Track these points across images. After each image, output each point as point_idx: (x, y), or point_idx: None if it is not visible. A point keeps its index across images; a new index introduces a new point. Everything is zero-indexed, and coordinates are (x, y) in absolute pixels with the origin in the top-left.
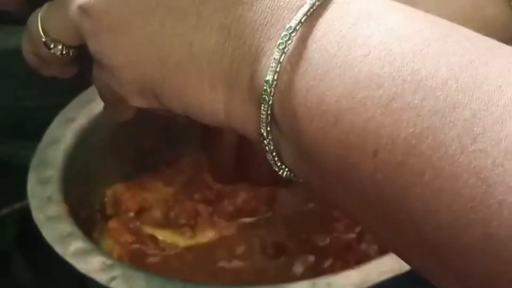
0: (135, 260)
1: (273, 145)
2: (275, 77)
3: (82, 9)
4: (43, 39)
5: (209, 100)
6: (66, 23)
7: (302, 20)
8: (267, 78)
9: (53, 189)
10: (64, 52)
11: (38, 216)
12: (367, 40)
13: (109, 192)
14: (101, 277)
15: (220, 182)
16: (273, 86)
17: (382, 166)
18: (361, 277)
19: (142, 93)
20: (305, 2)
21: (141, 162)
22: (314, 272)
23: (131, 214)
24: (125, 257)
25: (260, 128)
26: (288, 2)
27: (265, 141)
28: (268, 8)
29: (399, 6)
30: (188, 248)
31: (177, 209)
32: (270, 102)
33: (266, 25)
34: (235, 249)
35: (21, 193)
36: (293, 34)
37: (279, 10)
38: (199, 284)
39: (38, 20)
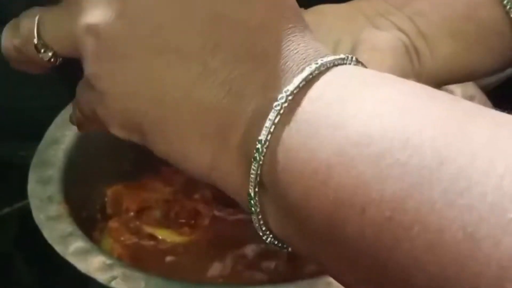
0: (135, 260)
1: (259, 207)
2: (268, 137)
3: (90, 29)
4: (35, 41)
5: (196, 152)
6: (67, 34)
7: (301, 85)
8: (260, 138)
9: (53, 189)
10: (52, 59)
11: (38, 216)
12: (358, 103)
13: (109, 192)
14: (101, 277)
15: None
16: (265, 146)
17: (371, 221)
18: None
19: (127, 126)
20: (305, 69)
21: (141, 162)
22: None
23: (131, 214)
24: (125, 257)
25: (248, 188)
26: (291, 67)
27: (251, 201)
28: (272, 70)
29: (388, 78)
30: (188, 248)
31: (177, 209)
32: (261, 162)
33: (267, 87)
34: (236, 248)
35: (21, 193)
36: (289, 97)
37: (281, 73)
38: (199, 284)
39: (35, 20)
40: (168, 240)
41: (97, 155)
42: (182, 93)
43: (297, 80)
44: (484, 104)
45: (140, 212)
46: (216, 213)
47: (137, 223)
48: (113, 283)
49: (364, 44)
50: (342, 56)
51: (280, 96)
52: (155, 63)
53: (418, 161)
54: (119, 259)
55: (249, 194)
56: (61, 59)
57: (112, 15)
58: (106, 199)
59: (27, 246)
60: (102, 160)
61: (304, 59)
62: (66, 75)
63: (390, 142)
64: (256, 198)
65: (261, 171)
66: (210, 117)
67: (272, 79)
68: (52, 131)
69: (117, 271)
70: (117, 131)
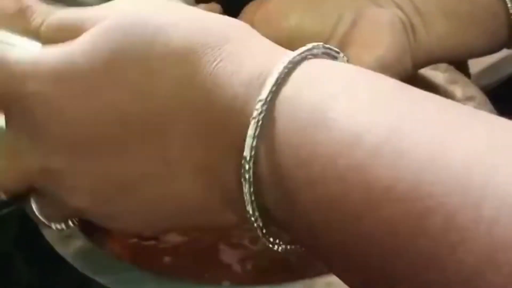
0: (135, 260)
1: (262, 222)
2: (252, 153)
3: (77, 210)
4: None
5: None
6: (64, 218)
7: (273, 89)
8: (244, 154)
9: None
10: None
11: None
12: (331, 108)
13: None
14: (101, 277)
15: None
16: (251, 162)
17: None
18: None
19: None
20: (266, 82)
21: None
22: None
23: None
24: (125, 257)
25: (245, 207)
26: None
27: (252, 218)
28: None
29: (357, 75)
30: (189, 247)
31: None
32: (251, 179)
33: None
34: (237, 248)
35: None
36: (264, 107)
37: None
38: (200, 284)
39: (35, 211)
40: (169, 240)
41: None
42: (167, 203)
43: (267, 88)
44: (484, 104)
45: None
46: None
47: None
48: (113, 283)
49: (364, 20)
50: (295, 53)
51: (256, 107)
52: (137, 196)
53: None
54: (119, 259)
55: (248, 212)
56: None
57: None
58: None
59: (27, 246)
60: None
61: (256, 76)
62: None
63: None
64: (256, 213)
65: (255, 185)
66: (190, 206)
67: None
68: None
69: (117, 271)
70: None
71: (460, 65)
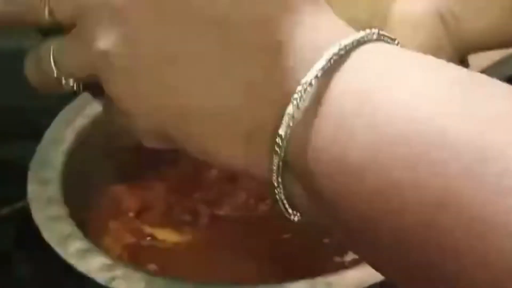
0: (135, 260)
1: (284, 194)
2: (288, 132)
3: (103, 52)
4: (55, 75)
5: (228, 153)
6: (83, 62)
7: (319, 75)
8: (280, 132)
9: (53, 190)
10: (75, 88)
11: (38, 217)
12: (390, 99)
13: (109, 192)
14: (101, 277)
15: None
16: (286, 139)
17: (409, 225)
18: (361, 277)
19: (159, 139)
20: (321, 57)
21: (141, 162)
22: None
23: (131, 214)
24: (125, 257)
25: (272, 178)
26: (306, 58)
27: (276, 190)
28: (286, 63)
29: (418, 61)
30: (189, 248)
31: (177, 209)
32: (283, 155)
33: (288, 80)
34: (236, 248)
35: (21, 193)
36: (308, 89)
37: (301, 62)
38: (199, 284)
39: (51, 53)
40: (168, 240)
41: (97, 155)
42: (202, 100)
43: (313, 71)
44: None
45: (140, 212)
46: (216, 212)
47: (137, 223)
48: (113, 284)
49: (396, 16)
50: (361, 34)
51: (298, 88)
52: (169, 74)
53: (458, 163)
54: (119, 259)
55: (272, 184)
56: (84, 84)
57: (119, 39)
58: (106, 199)
59: (27, 246)
60: (102, 160)
61: (318, 47)
62: None
63: (428, 145)
64: (280, 187)
65: (286, 163)
66: (236, 122)
67: (292, 73)
68: (52, 131)
69: (117, 271)
70: (151, 144)
71: (461, 64)
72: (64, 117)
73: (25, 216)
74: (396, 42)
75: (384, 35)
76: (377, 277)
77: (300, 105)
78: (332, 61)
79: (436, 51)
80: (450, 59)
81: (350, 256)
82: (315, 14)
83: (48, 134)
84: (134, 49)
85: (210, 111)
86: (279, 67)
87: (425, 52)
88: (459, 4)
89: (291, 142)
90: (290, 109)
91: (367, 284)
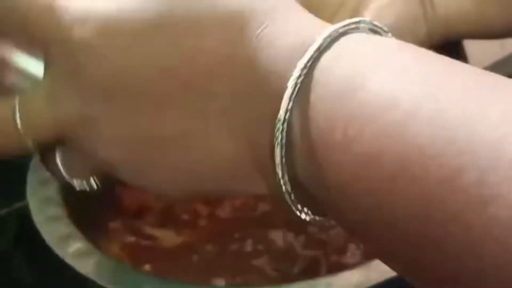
0: (135, 260)
1: (291, 186)
2: (287, 116)
3: (107, 164)
4: (66, 179)
5: (244, 188)
6: (88, 174)
7: (314, 55)
8: (279, 116)
9: (53, 190)
10: (92, 185)
11: (38, 217)
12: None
13: (108, 192)
14: (100, 277)
15: None
16: (285, 124)
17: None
18: (361, 277)
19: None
20: (305, 54)
21: None
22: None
23: (131, 214)
24: (125, 257)
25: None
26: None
27: (281, 182)
28: (263, 100)
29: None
30: (188, 248)
31: (177, 209)
32: (284, 141)
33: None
34: (236, 248)
35: (21, 193)
36: (303, 71)
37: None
38: (199, 284)
39: (59, 164)
40: (168, 240)
41: None
42: (207, 163)
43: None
44: None
45: (140, 212)
46: (216, 212)
47: (137, 223)
48: (113, 284)
49: None
50: (340, 24)
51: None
52: (174, 154)
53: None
54: (119, 259)
55: (277, 175)
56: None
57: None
58: (105, 199)
59: (27, 246)
60: None
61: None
62: None
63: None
64: (285, 180)
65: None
66: (239, 167)
67: (268, 107)
68: None
69: (117, 271)
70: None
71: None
72: None
73: (25, 216)
74: (389, 35)
75: (377, 25)
76: (377, 277)
77: (297, 88)
78: (313, 57)
79: (411, 28)
80: (421, 44)
81: (350, 256)
82: (285, 15)
83: None
84: (109, 110)
85: (219, 171)
86: (259, 98)
87: (401, 26)
88: None
89: (292, 126)
90: (287, 93)
91: (367, 285)
